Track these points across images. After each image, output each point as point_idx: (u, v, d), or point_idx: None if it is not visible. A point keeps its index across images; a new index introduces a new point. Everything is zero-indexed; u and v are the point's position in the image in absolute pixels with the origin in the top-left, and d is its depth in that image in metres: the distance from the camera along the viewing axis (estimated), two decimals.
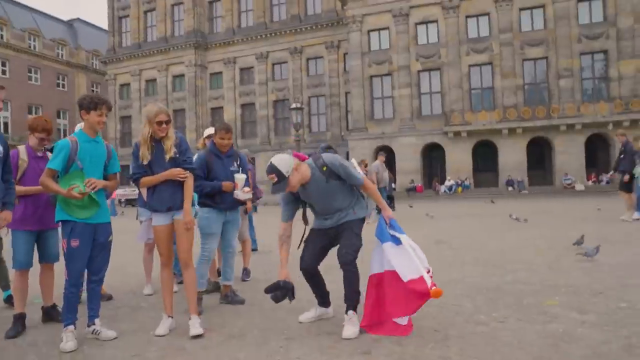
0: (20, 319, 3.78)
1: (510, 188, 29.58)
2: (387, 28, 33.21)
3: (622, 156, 10.70)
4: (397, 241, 3.42)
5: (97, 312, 3.59)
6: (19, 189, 3.73)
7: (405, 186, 31.25)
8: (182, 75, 43.02)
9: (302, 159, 3.52)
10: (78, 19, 57.47)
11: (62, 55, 49.47)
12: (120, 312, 4.35)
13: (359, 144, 32.83)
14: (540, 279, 4.96)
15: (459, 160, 30.96)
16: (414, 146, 32.14)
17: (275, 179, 3.31)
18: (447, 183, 30.90)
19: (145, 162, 3.60)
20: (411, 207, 18.43)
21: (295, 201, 3.62)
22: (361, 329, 3.36)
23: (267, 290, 3.53)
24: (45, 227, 3.93)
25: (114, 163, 3.66)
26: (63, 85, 49.56)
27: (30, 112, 43.28)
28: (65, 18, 57.03)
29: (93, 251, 3.48)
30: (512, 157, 30.26)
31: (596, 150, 30.33)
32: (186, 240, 3.68)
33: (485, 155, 31.40)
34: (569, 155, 29.31)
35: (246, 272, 5.72)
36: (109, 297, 4.81)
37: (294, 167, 3.34)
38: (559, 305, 3.91)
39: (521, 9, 30.45)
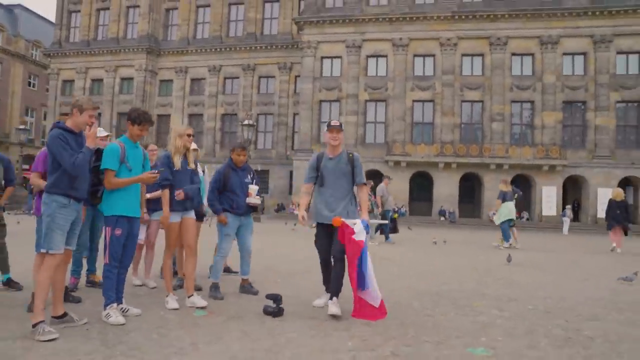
0: None
1: (442, 218, 31.62)
2: (339, 57, 34.84)
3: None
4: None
5: (122, 294, 4.22)
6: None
7: None
8: (131, 79, 42.34)
9: None
10: (19, 6, 54.61)
11: None
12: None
13: (304, 164, 33.66)
14: (470, 288, 6.03)
15: (397, 188, 32.64)
16: None
17: (338, 124, 4.75)
18: None
19: (177, 169, 4.36)
20: None
21: (316, 170, 4.80)
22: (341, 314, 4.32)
23: (268, 297, 4.42)
24: None
25: (147, 165, 4.31)
26: None
27: None
28: (5, 2, 54.18)
29: (126, 240, 4.13)
30: (446, 189, 32.42)
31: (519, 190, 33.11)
32: (194, 234, 4.41)
33: (421, 186, 33.42)
34: (495, 191, 31.72)
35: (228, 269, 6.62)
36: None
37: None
38: (484, 306, 4.94)
39: (463, 55, 33.12)
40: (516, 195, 13.50)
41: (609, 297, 5.81)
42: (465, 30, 32.84)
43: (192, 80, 42.01)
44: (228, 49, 40.62)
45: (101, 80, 43.30)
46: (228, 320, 4.15)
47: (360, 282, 4.35)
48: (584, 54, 31.70)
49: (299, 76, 37.59)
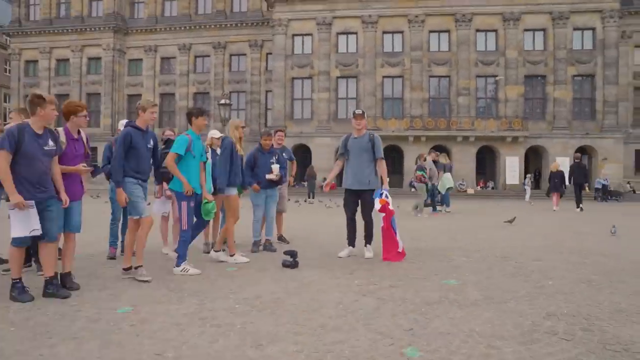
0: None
1: (412, 189, 33.14)
2: (310, 34, 35.44)
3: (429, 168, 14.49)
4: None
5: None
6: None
7: (320, 184, 33.64)
8: (99, 59, 41.79)
9: None
10: None
11: None
12: (158, 262, 5.91)
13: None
14: (444, 245, 7.30)
15: None
16: (329, 146, 34.55)
17: (361, 112, 6.20)
18: None
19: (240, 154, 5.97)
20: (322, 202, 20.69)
21: (344, 148, 6.22)
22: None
23: (285, 252, 5.60)
24: (71, 199, 4.45)
25: (204, 153, 5.45)
26: None
27: None
28: None
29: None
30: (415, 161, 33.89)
31: (485, 160, 35.07)
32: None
33: (392, 159, 34.80)
34: (463, 163, 33.54)
35: (281, 238, 7.74)
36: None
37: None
38: (455, 255, 6.19)
39: (430, 32, 34.25)
40: (451, 167, 15.72)
41: (553, 245, 7.18)
42: (432, 7, 33.88)
43: (162, 59, 41.80)
44: (198, 27, 40.50)
45: (67, 60, 42.52)
46: (257, 272, 5.24)
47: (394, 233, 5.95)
48: (544, 30, 33.31)
49: (270, 53, 38.02)
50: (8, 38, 44.76)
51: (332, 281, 4.73)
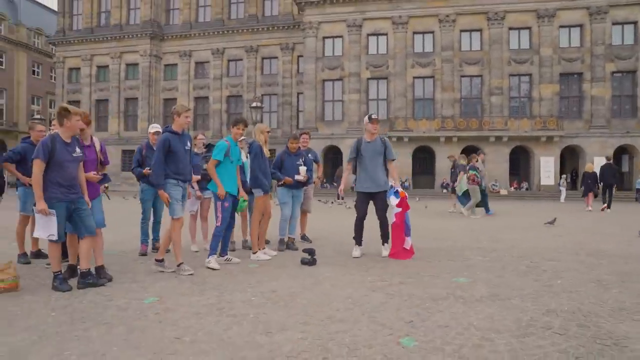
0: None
1: (444, 190, 32.92)
2: (341, 36, 35.69)
3: (453, 170, 15.14)
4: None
5: (227, 247, 5.94)
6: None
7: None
8: (136, 64, 43.30)
9: None
10: None
11: (0, 31, 47.87)
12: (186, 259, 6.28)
13: (310, 143, 34.99)
14: (463, 244, 7.39)
15: (400, 163, 33.93)
16: None
17: (376, 116, 6.38)
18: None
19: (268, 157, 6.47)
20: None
21: (357, 152, 6.41)
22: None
23: (304, 250, 5.88)
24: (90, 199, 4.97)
25: (240, 157, 5.99)
26: (1, 63, 48.06)
27: None
28: None
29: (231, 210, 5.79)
30: (447, 162, 33.42)
31: (519, 161, 34.43)
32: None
33: (423, 160, 34.67)
34: (496, 163, 33.05)
35: (304, 237, 8.03)
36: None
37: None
38: (472, 254, 6.30)
39: (462, 31, 33.92)
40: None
41: (572, 246, 7.17)
42: (463, 6, 33.57)
43: (197, 63, 42.94)
44: (230, 32, 41.42)
45: (107, 66, 44.26)
46: (276, 269, 5.53)
47: (407, 231, 6.18)
48: (580, 25, 32.45)
49: (301, 56, 38.48)
50: (53, 47, 46.89)
51: (346, 277, 4.96)
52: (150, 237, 6.81)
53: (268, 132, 6.75)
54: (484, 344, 2.99)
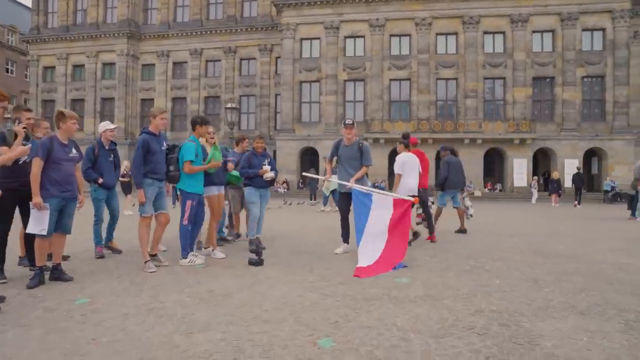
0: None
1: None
2: (318, 38, 35.74)
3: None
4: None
5: (194, 244, 6.08)
6: None
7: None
8: (113, 64, 42.71)
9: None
10: None
11: None
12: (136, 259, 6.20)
13: (287, 144, 35.13)
14: (419, 244, 7.45)
15: (376, 164, 34.01)
16: None
17: (351, 122, 6.46)
18: None
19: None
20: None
21: (336, 152, 6.65)
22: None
23: (251, 251, 5.86)
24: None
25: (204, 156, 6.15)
26: None
27: None
28: None
29: (197, 209, 5.95)
30: None
31: (493, 162, 34.91)
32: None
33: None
34: (470, 165, 33.35)
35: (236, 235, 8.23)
36: (120, 252, 6.64)
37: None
38: (420, 255, 6.35)
39: (437, 34, 34.29)
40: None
41: (524, 247, 7.28)
42: (439, 10, 33.95)
43: (174, 63, 42.53)
44: (209, 32, 41.14)
45: (83, 66, 43.55)
46: (222, 269, 5.50)
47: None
48: (552, 31, 33.10)
49: (279, 57, 38.43)
50: (27, 45, 45.95)
51: (287, 277, 4.95)
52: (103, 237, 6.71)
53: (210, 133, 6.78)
54: (400, 344, 3.01)
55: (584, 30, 32.67)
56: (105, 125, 6.78)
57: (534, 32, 33.21)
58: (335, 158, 6.82)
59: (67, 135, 4.85)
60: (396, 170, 7.02)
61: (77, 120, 4.96)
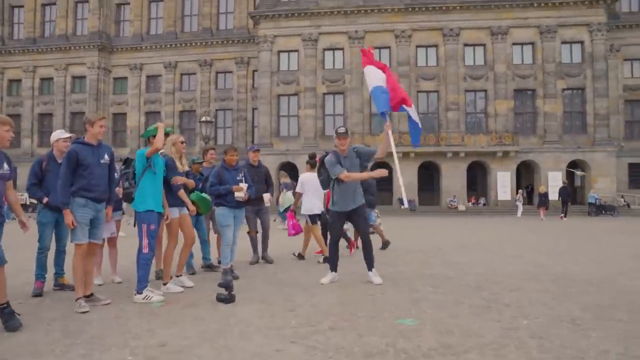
0: None
1: (402, 206, 32.41)
2: (296, 50, 35.02)
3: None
4: None
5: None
6: None
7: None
8: (84, 77, 41.15)
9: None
10: None
11: None
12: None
13: (265, 159, 33.64)
14: (413, 269, 6.51)
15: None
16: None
17: (344, 130, 5.64)
18: None
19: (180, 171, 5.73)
20: None
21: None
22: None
23: (220, 285, 4.72)
24: None
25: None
26: None
27: None
28: None
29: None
30: (405, 178, 32.98)
31: (476, 176, 34.45)
32: (191, 227, 5.87)
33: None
34: (453, 179, 32.91)
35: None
36: (72, 288, 5.53)
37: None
38: (421, 284, 5.39)
39: (418, 46, 33.93)
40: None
41: (533, 271, 6.40)
42: (419, 22, 33.63)
43: (148, 77, 41.26)
44: (183, 45, 40.08)
45: (51, 79, 41.90)
46: (183, 308, 4.43)
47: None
48: (532, 43, 33.07)
49: (256, 71, 37.54)
50: None
51: (264, 321, 3.92)
52: (52, 271, 5.55)
53: (182, 142, 5.84)
54: None
55: (563, 42, 32.72)
56: (59, 134, 5.63)
57: (514, 44, 33.12)
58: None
59: None
60: (297, 189, 7.69)
61: (11, 127, 4.00)
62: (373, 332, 3.58)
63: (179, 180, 5.47)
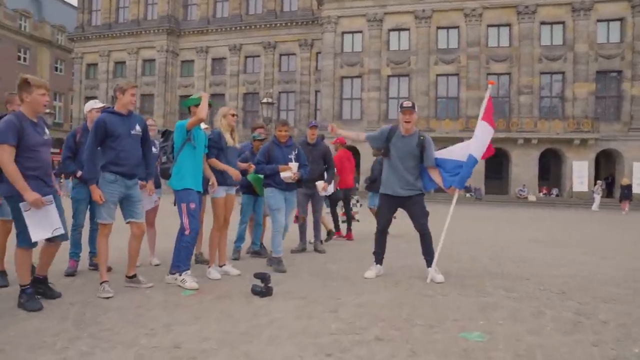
0: None
1: (467, 195, 30.86)
2: (360, 31, 33.96)
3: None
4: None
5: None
6: None
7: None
8: (153, 60, 42.41)
9: None
10: None
11: (25, 28, 47.65)
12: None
13: (326, 143, 33.48)
14: (481, 266, 5.67)
15: None
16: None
17: (411, 104, 4.92)
18: None
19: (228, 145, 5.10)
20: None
21: (385, 142, 4.97)
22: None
23: (256, 276, 4.15)
24: None
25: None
26: (24, 59, 47.74)
27: None
28: None
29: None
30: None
31: (549, 165, 32.08)
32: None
33: None
34: (524, 167, 30.84)
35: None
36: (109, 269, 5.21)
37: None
38: (492, 285, 4.58)
39: (489, 26, 31.80)
40: None
41: (626, 275, 5.36)
42: (491, 0, 31.46)
43: (213, 60, 41.80)
44: (248, 27, 40.15)
45: (124, 62, 43.50)
46: (213, 301, 3.94)
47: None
48: (621, 19, 29.94)
49: (320, 53, 36.90)
50: (73, 43, 46.46)
51: (301, 323, 3.33)
52: (87, 249, 5.29)
53: (233, 115, 5.20)
54: None
55: None
56: (92, 104, 5.24)
57: (598, 21, 30.12)
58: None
59: (34, 111, 3.66)
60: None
61: (46, 91, 3.68)
62: (430, 348, 2.88)
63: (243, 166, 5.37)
